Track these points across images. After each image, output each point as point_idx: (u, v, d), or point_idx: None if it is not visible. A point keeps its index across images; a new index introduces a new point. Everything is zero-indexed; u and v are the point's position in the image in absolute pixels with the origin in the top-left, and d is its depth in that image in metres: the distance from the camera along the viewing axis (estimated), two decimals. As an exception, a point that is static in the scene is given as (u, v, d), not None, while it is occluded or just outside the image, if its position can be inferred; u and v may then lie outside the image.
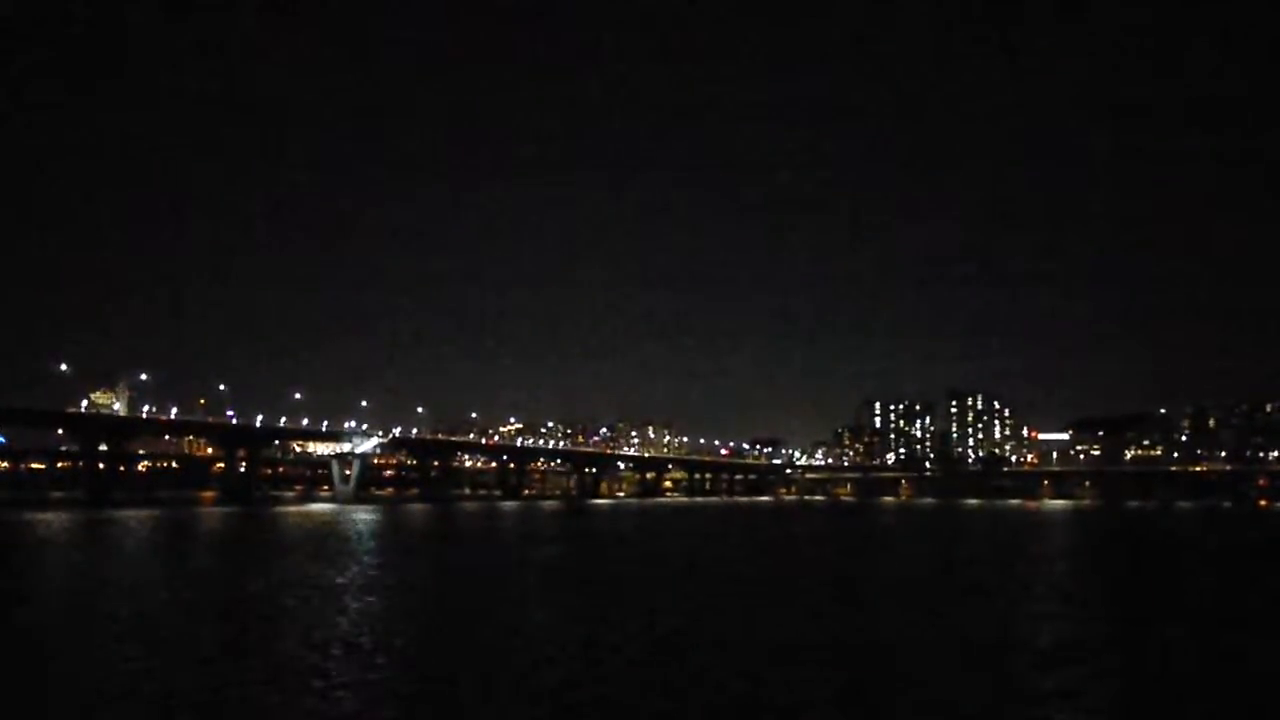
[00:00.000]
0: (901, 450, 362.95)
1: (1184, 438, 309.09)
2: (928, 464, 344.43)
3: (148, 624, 30.79)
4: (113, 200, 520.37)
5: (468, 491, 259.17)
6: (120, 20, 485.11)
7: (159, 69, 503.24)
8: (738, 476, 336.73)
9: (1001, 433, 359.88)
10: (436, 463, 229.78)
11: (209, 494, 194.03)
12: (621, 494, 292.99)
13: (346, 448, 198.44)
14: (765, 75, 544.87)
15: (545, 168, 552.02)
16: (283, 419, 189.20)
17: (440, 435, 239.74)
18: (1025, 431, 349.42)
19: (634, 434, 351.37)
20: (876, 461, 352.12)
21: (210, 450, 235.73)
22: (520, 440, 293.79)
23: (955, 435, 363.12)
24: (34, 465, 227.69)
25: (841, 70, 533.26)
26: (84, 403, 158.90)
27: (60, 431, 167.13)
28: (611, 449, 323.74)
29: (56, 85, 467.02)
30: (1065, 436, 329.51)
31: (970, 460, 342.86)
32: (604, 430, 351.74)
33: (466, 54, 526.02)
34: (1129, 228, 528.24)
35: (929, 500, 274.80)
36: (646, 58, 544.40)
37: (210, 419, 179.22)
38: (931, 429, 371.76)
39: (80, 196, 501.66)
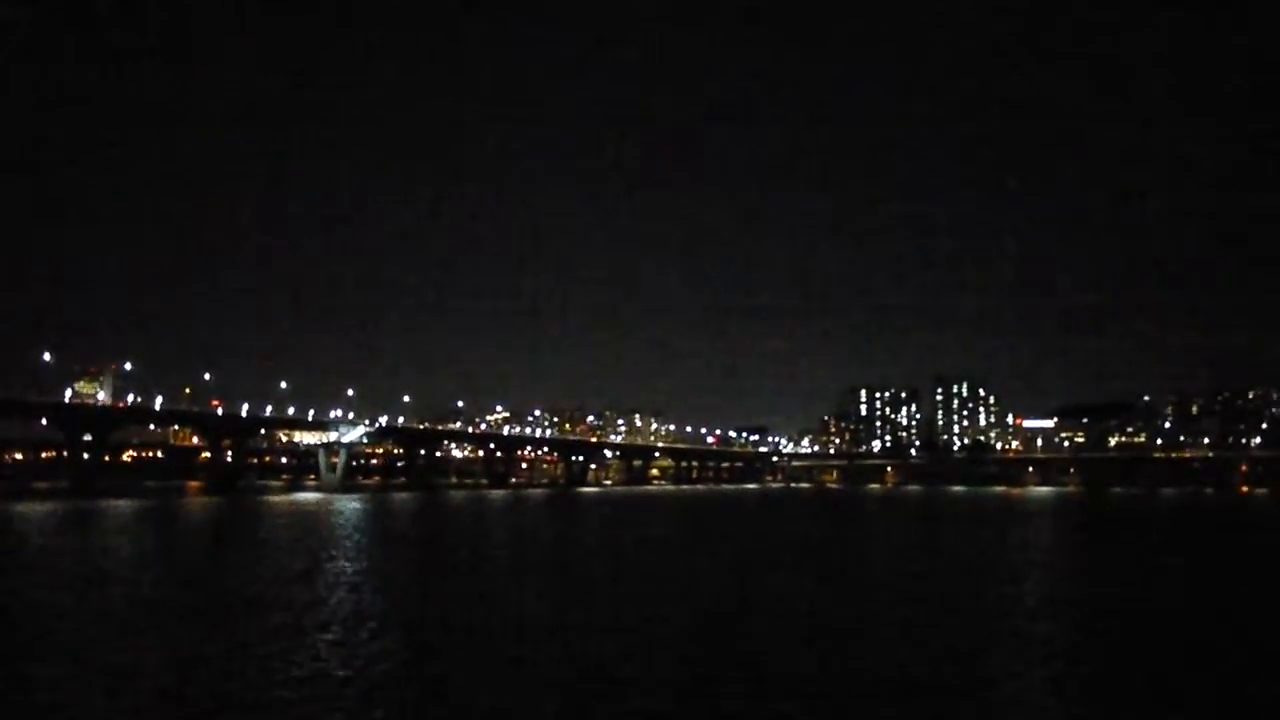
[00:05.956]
0: (887, 438, 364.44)
1: (1167, 425, 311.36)
2: (913, 451, 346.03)
3: (135, 615, 30.78)
4: (98, 192, 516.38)
5: (454, 480, 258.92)
6: (118, 18, 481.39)
7: (156, 63, 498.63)
8: (724, 464, 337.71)
9: (987, 420, 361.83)
10: (423, 451, 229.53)
11: (195, 484, 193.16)
12: (609, 482, 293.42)
13: (333, 437, 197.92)
14: (762, 74, 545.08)
15: (542, 164, 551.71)
16: (269, 408, 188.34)
17: (427, 424, 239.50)
18: (1010, 419, 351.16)
19: (621, 422, 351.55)
20: (862, 449, 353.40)
21: (196, 440, 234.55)
22: (507, 429, 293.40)
23: (941, 422, 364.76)
24: (16, 455, 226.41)
25: (833, 70, 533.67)
26: (68, 392, 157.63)
27: (44, 421, 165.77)
28: (599, 437, 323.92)
29: (56, 76, 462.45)
30: (1050, 424, 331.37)
31: (956, 447, 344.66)
32: (591, 418, 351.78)
33: (466, 54, 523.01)
34: (1116, 217, 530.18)
35: (914, 487, 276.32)
36: (644, 59, 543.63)
37: (195, 408, 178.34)
38: (917, 416, 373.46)
39: (64, 189, 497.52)
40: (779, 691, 21.30)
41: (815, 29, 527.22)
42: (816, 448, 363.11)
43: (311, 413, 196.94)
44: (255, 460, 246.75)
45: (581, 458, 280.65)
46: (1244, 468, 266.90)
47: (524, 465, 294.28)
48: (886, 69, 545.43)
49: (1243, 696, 21.62)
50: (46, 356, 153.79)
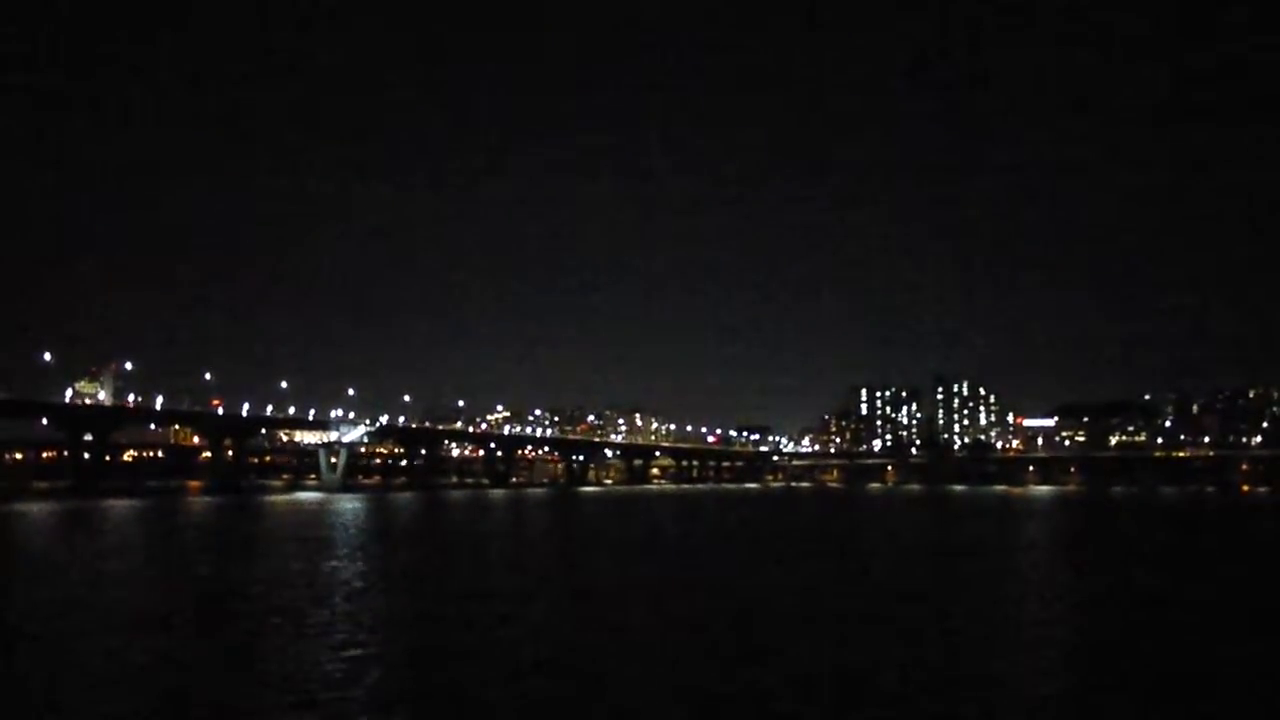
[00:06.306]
0: (888, 437, 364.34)
1: (1168, 424, 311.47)
2: (914, 450, 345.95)
3: (144, 619, 30.80)
4: (98, 191, 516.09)
5: (455, 480, 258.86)
6: (118, 17, 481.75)
7: (155, 62, 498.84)
8: (725, 463, 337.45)
9: (987, 419, 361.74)
10: (423, 451, 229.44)
11: (196, 483, 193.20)
12: (609, 481, 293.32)
13: (333, 436, 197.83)
14: (762, 74, 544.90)
15: (542, 164, 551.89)
16: (269, 408, 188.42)
17: (427, 424, 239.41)
18: (1011, 418, 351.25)
19: (621, 421, 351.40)
20: (863, 448, 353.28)
21: (196, 440, 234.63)
22: (507, 428, 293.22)
23: (941, 422, 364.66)
24: (17, 455, 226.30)
25: (832, 70, 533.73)
26: (68, 392, 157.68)
27: (45, 421, 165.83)
28: (599, 436, 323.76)
29: (54, 73, 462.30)
30: (1050, 423, 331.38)
31: (956, 446, 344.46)
32: (591, 418, 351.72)
33: (466, 54, 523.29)
34: (1114, 217, 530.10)
35: (915, 486, 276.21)
36: (643, 59, 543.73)
37: (196, 408, 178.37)
38: (918, 415, 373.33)
39: (65, 188, 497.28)
40: (782, 693, 21.31)
41: (815, 28, 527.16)
42: (817, 447, 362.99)
43: (312, 412, 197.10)
44: (256, 460, 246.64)
45: (582, 457, 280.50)
46: (1245, 466, 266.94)
47: (525, 465, 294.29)
48: (886, 68, 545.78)
49: (1243, 696, 21.62)
50: (47, 356, 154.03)
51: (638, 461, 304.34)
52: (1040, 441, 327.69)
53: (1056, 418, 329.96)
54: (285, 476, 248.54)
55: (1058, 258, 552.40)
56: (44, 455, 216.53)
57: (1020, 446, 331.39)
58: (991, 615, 32.83)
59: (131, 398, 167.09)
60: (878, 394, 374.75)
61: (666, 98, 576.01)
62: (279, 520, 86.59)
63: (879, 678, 22.67)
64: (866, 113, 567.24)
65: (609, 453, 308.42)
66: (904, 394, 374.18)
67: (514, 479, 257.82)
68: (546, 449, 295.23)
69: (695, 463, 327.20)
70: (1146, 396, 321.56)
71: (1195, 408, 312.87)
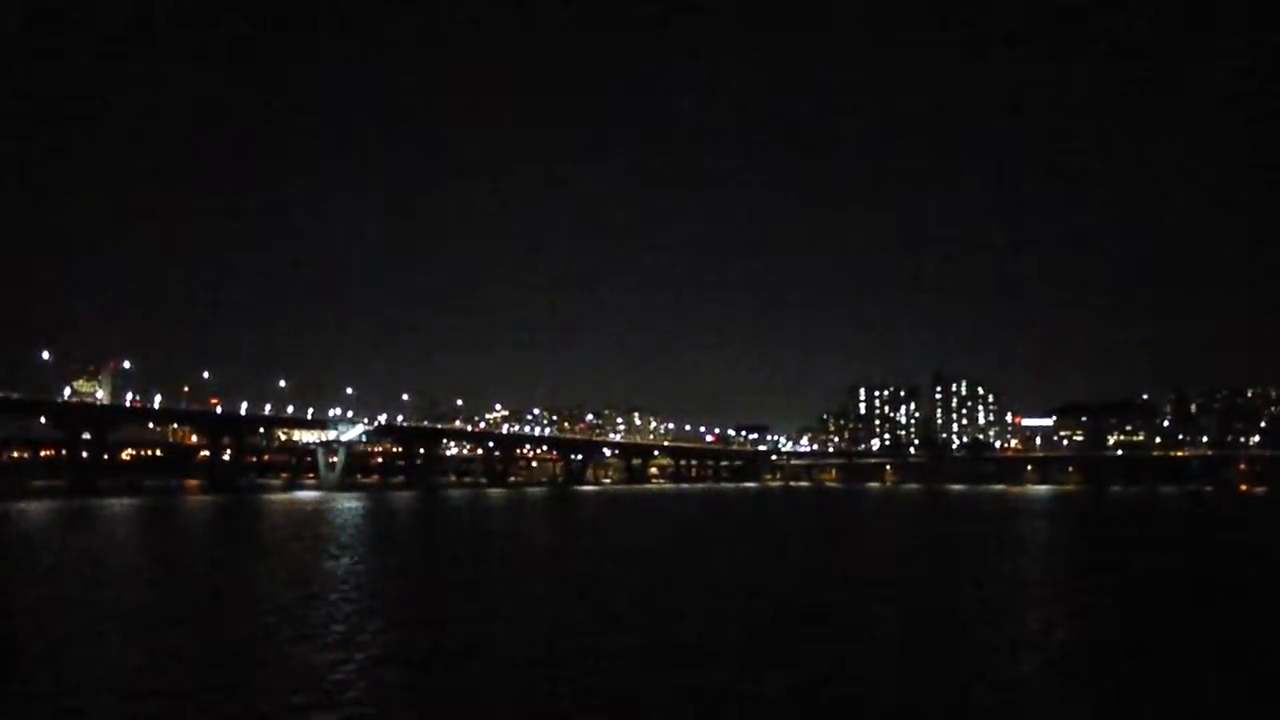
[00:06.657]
0: (886, 436, 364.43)
1: (1166, 423, 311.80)
2: (912, 449, 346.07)
3: (138, 619, 30.71)
4: (95, 190, 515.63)
5: (454, 478, 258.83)
6: (119, 15, 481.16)
7: (154, 61, 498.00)
8: (723, 463, 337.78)
9: (986, 419, 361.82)
10: (422, 450, 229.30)
11: (194, 482, 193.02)
12: (608, 480, 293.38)
13: (332, 435, 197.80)
14: (762, 74, 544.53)
15: (542, 164, 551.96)
16: (267, 406, 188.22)
17: (426, 423, 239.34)
18: (1010, 417, 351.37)
19: (620, 420, 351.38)
20: (862, 447, 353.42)
21: (195, 438, 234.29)
22: (506, 427, 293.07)
23: (940, 421, 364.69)
24: (15, 454, 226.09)
25: (832, 69, 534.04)
26: (66, 391, 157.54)
27: (43, 420, 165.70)
28: (598, 436, 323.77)
29: (54, 73, 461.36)
30: (1049, 422, 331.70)
31: (955, 446, 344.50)
32: (590, 417, 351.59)
33: (466, 54, 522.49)
34: (1114, 217, 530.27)
35: (913, 485, 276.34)
36: (643, 59, 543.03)
37: (194, 407, 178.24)
38: (916, 415, 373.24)
39: (63, 186, 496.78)
40: (783, 694, 21.26)
41: (816, 28, 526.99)
42: (815, 446, 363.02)
43: (310, 411, 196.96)
44: (254, 459, 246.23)
45: (581, 456, 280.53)
46: (1243, 466, 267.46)
47: (523, 464, 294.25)
48: (887, 68, 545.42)
49: (1243, 694, 21.59)
50: (45, 355, 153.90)
51: (636, 461, 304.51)
52: (1039, 441, 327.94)
53: (1055, 417, 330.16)
54: (283, 475, 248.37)
55: (1058, 257, 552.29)
56: (42, 454, 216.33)
57: (1019, 446, 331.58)
58: (990, 615, 32.78)
59: (130, 396, 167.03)
60: (876, 393, 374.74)
61: (667, 97, 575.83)
62: (277, 519, 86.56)
63: (879, 678, 22.64)
64: (866, 111, 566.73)
65: (607, 452, 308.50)
66: (902, 393, 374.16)
67: (512, 478, 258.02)
68: (545, 448, 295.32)
69: (694, 462, 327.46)
70: (1145, 396, 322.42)
71: (1194, 407, 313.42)
